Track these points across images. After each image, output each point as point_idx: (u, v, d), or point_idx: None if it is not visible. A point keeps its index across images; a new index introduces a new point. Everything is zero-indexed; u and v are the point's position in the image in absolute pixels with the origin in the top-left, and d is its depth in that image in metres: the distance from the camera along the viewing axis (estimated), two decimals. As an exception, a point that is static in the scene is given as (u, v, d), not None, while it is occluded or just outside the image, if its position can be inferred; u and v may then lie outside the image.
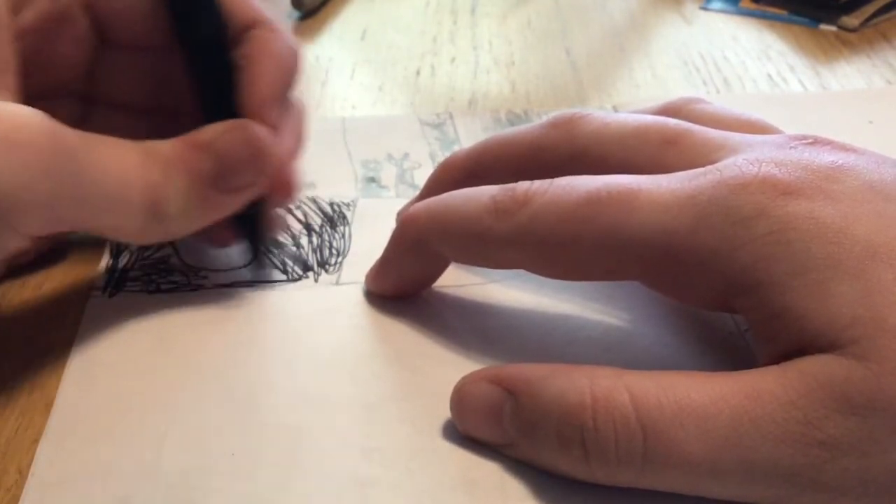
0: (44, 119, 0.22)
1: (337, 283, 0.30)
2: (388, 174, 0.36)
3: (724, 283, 0.22)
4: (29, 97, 0.23)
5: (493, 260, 0.26)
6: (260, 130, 0.27)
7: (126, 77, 0.29)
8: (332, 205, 0.34)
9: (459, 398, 0.24)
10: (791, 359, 0.20)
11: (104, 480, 0.23)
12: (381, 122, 0.40)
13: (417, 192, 0.32)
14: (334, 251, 0.31)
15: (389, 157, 0.37)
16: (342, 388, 0.26)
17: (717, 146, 0.24)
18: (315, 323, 0.28)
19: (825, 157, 0.22)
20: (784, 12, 0.50)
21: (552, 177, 0.24)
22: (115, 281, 0.30)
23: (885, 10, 0.48)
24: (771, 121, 0.28)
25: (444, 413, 0.24)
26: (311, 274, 0.30)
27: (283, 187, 0.29)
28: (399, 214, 0.32)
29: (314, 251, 0.31)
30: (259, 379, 0.26)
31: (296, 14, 0.51)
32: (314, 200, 0.34)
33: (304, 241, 0.32)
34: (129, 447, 0.24)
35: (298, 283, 0.30)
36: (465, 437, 0.24)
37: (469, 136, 0.38)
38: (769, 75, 0.43)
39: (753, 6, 0.51)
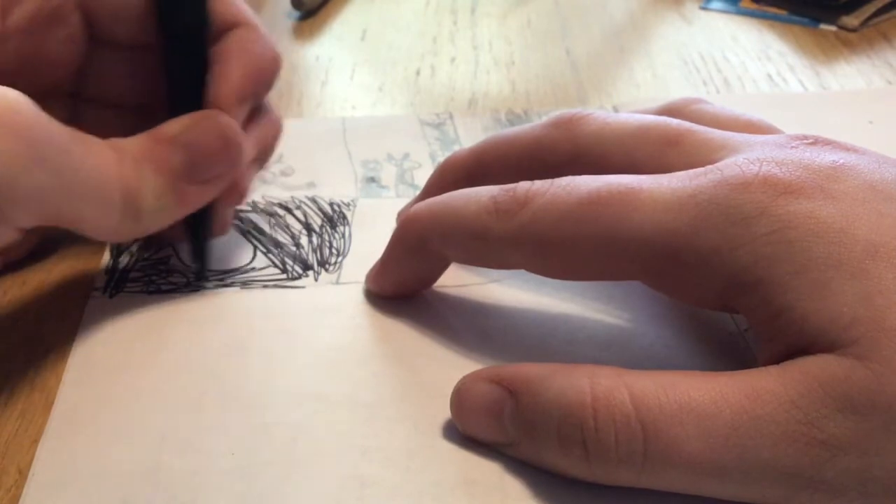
0: (35, 106, 0.22)
1: (337, 283, 0.30)
2: (388, 174, 0.36)
3: (724, 282, 0.22)
4: None
5: (494, 260, 0.26)
6: (229, 120, 0.26)
7: (117, 75, 0.29)
8: (332, 205, 0.34)
9: (459, 398, 0.24)
10: (792, 358, 0.20)
11: (104, 480, 0.23)
12: (382, 122, 0.40)
13: (418, 193, 0.32)
14: (334, 251, 0.31)
15: (389, 157, 0.37)
16: (342, 388, 0.26)
17: (717, 146, 0.24)
18: (315, 322, 0.28)
19: (826, 157, 0.22)
20: (784, 12, 0.50)
21: (553, 177, 0.24)
22: (116, 281, 0.30)
23: (885, 10, 0.48)
24: (771, 121, 0.28)
25: (444, 413, 0.24)
26: (311, 273, 0.30)
27: (232, 191, 0.28)
28: (399, 214, 0.32)
29: (314, 251, 0.31)
30: (259, 379, 0.26)
31: (296, 14, 0.51)
32: (314, 200, 0.34)
33: (304, 240, 0.32)
34: (128, 447, 0.24)
35: (298, 282, 0.30)
36: (465, 437, 0.24)
37: (469, 136, 0.38)
38: (769, 75, 0.43)
39: (753, 6, 0.51)
